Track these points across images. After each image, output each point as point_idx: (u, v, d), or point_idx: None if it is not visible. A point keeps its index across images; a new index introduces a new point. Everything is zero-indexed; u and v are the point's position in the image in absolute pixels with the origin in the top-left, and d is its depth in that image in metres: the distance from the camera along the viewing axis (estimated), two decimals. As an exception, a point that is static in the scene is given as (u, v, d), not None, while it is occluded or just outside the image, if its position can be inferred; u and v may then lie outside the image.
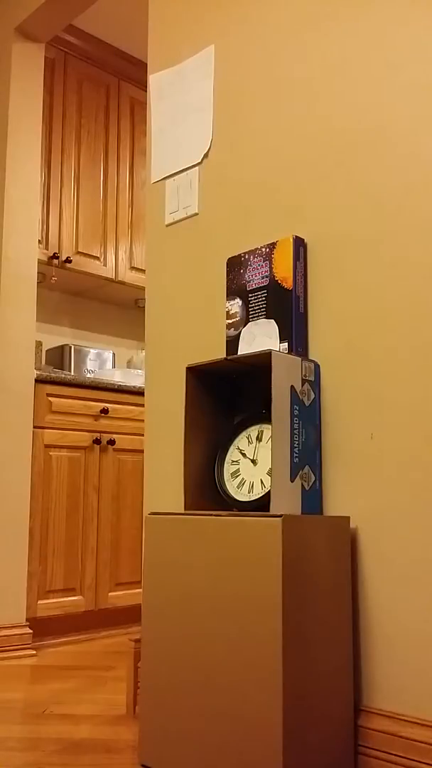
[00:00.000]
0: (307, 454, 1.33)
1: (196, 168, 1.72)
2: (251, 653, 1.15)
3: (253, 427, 1.43)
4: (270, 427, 1.38)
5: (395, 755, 1.18)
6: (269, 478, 1.33)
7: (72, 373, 3.08)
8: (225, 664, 1.19)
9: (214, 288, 1.64)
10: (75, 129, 3.10)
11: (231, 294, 1.53)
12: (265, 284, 1.47)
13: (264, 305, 1.46)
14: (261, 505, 1.34)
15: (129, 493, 2.73)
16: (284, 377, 1.30)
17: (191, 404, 1.44)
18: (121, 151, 3.27)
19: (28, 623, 2.35)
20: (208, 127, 1.70)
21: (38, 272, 2.85)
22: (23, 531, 2.38)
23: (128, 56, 3.30)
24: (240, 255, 1.53)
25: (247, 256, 1.51)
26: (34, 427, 2.46)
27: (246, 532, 1.19)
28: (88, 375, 3.15)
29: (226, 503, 1.42)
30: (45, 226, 2.94)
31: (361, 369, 1.33)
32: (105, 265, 3.13)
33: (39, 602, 2.40)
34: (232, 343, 1.51)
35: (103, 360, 3.27)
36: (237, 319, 1.51)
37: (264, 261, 1.47)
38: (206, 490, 1.43)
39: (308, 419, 1.34)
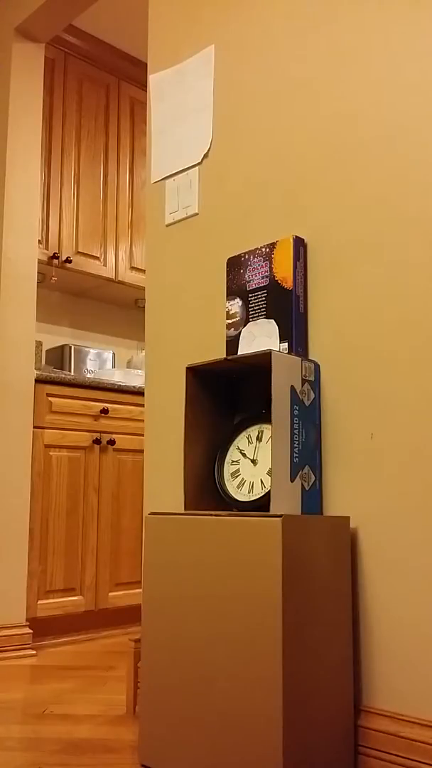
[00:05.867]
0: (307, 454, 1.33)
1: (196, 168, 1.72)
2: (251, 653, 1.15)
3: (253, 427, 1.43)
4: (270, 427, 1.38)
5: (395, 755, 1.18)
6: (269, 478, 1.33)
7: (72, 373, 3.08)
8: (225, 664, 1.19)
9: (214, 288, 1.64)
10: (75, 129, 3.10)
11: (231, 294, 1.53)
12: (265, 284, 1.47)
13: (264, 305, 1.46)
14: (261, 505, 1.34)
15: (129, 493, 2.73)
16: (284, 377, 1.30)
17: (191, 404, 1.44)
18: (121, 151, 3.27)
19: (28, 623, 2.35)
20: (208, 127, 1.70)
21: (38, 272, 2.85)
22: (23, 531, 2.38)
23: (128, 56, 3.30)
24: (240, 255, 1.53)
25: (247, 256, 1.51)
26: (34, 427, 2.46)
27: (246, 532, 1.19)
28: (88, 375, 3.15)
29: (226, 503, 1.42)
30: (45, 226, 2.94)
31: (361, 369, 1.33)
32: (105, 265, 3.13)
33: (39, 602, 2.40)
34: (232, 343, 1.51)
35: (103, 360, 3.27)
36: (237, 319, 1.51)
37: (264, 261, 1.47)
38: (206, 490, 1.43)
39: (308, 419, 1.34)
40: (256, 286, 1.48)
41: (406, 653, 1.21)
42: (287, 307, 1.42)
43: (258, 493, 1.37)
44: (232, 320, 1.52)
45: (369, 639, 1.26)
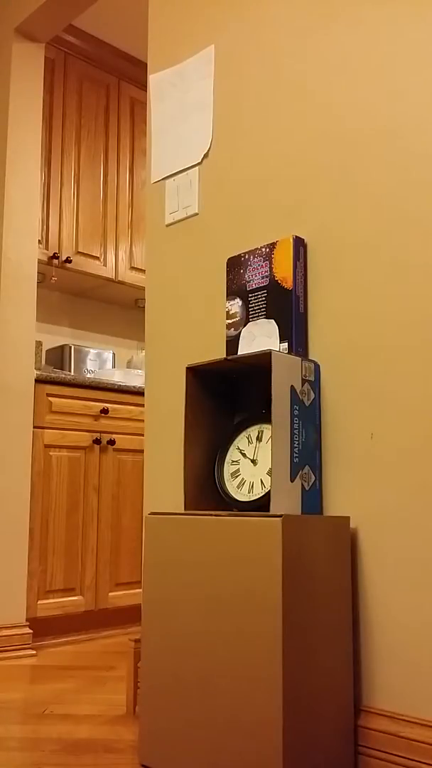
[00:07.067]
0: (307, 454, 1.33)
1: (196, 168, 1.72)
2: (251, 653, 1.15)
3: (253, 427, 1.43)
4: (270, 427, 1.38)
5: (395, 755, 1.18)
6: (269, 478, 1.33)
7: (72, 373, 3.08)
8: (225, 664, 1.19)
9: (214, 288, 1.64)
10: (75, 129, 3.10)
11: (231, 294, 1.53)
12: (265, 284, 1.47)
13: (264, 305, 1.46)
14: (261, 505, 1.34)
15: (129, 493, 2.73)
16: (284, 377, 1.30)
17: (191, 404, 1.44)
18: (121, 151, 3.27)
19: (28, 623, 2.35)
20: (208, 127, 1.70)
21: (38, 272, 2.85)
22: (23, 531, 2.38)
23: (128, 56, 3.30)
24: (240, 255, 1.53)
25: (247, 256, 1.51)
26: (34, 427, 2.46)
27: (246, 532, 1.19)
28: (88, 375, 3.15)
29: (226, 503, 1.42)
30: (45, 226, 2.93)
31: (361, 369, 1.33)
32: (105, 265, 3.13)
33: (39, 602, 2.40)
34: (232, 343, 1.51)
35: (103, 360, 3.27)
36: (237, 319, 1.51)
37: (264, 261, 1.47)
38: (206, 490, 1.43)
39: (308, 419, 1.34)
40: (256, 286, 1.48)
41: (406, 653, 1.21)
42: (287, 307, 1.42)
43: (258, 493, 1.37)
44: (232, 320, 1.52)
45: (369, 639, 1.26)
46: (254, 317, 1.48)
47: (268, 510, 1.25)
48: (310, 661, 1.16)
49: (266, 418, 1.40)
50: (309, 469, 1.33)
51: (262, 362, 1.36)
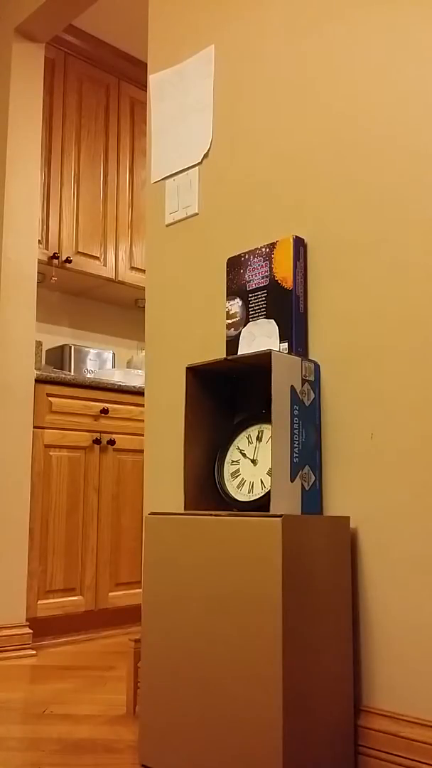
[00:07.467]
0: (307, 454, 1.33)
1: (196, 168, 1.72)
2: (251, 653, 1.15)
3: (253, 427, 1.43)
4: (270, 427, 1.38)
5: (395, 755, 1.18)
6: (269, 478, 1.33)
7: (72, 373, 3.08)
8: (225, 664, 1.19)
9: (214, 288, 1.64)
10: (75, 129, 3.10)
11: (231, 294, 1.53)
12: (265, 284, 1.47)
13: (264, 305, 1.46)
14: (261, 505, 1.35)
15: (129, 493, 2.73)
16: (284, 377, 1.30)
17: (191, 404, 1.44)
18: (121, 151, 3.27)
19: (28, 623, 2.35)
20: (208, 127, 1.70)
21: (38, 272, 2.85)
22: (23, 531, 2.38)
23: (128, 56, 3.30)
24: (240, 255, 1.53)
25: (247, 256, 1.51)
26: (34, 427, 2.46)
27: (246, 532, 1.19)
28: (88, 375, 3.15)
29: (226, 503, 1.42)
30: (45, 226, 2.93)
31: (361, 369, 1.33)
32: (105, 265, 3.13)
33: (39, 602, 2.40)
34: (232, 343, 1.51)
35: (103, 360, 3.27)
36: (237, 319, 1.51)
37: (264, 261, 1.47)
38: (206, 490, 1.43)
39: (308, 419, 1.34)
40: (256, 286, 1.48)
41: (406, 653, 1.21)
42: (287, 307, 1.42)
43: (258, 493, 1.37)
44: (232, 320, 1.52)
45: (369, 639, 1.26)
46: (254, 317, 1.48)
47: (268, 510, 1.25)
48: (310, 661, 1.16)
49: (266, 418, 1.40)
50: (309, 469, 1.33)
51: (262, 362, 1.36)
